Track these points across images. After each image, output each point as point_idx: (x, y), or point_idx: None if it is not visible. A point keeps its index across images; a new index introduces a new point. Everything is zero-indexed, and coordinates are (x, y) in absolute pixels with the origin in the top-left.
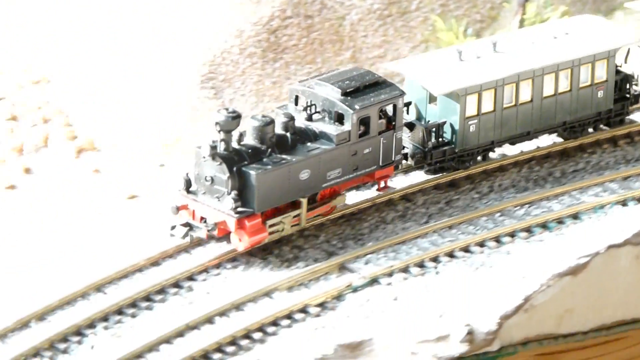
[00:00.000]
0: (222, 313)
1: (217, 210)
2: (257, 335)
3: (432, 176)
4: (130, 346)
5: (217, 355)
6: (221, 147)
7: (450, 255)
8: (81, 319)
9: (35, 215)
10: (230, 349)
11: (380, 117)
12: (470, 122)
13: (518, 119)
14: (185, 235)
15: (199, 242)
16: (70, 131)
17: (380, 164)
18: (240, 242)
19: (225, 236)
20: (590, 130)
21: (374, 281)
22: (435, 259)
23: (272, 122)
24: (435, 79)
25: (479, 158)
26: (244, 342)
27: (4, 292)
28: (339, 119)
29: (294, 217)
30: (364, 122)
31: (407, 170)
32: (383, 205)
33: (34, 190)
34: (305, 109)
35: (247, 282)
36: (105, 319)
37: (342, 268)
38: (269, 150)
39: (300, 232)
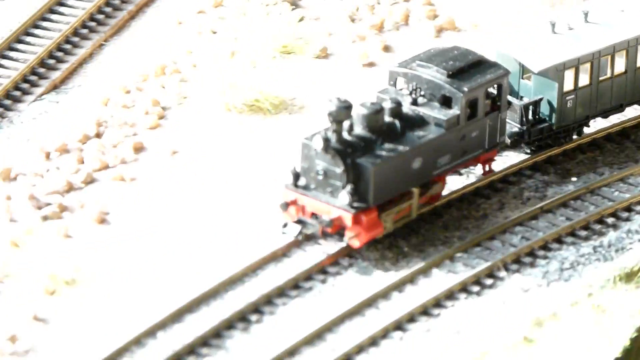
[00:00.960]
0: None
1: (331, 206)
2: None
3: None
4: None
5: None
6: (333, 139)
7: None
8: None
9: None
10: (584, 234)
11: (485, 98)
12: (567, 98)
13: (613, 91)
14: (299, 233)
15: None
16: (431, 10)
17: (486, 147)
18: (356, 239)
19: (338, 232)
20: None
21: None
22: None
23: (382, 109)
24: (532, 54)
25: (575, 135)
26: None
27: None
28: (446, 102)
29: (399, 211)
30: (472, 104)
31: (504, 149)
32: None
33: None
34: (411, 93)
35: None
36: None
37: None
38: (380, 139)
39: None
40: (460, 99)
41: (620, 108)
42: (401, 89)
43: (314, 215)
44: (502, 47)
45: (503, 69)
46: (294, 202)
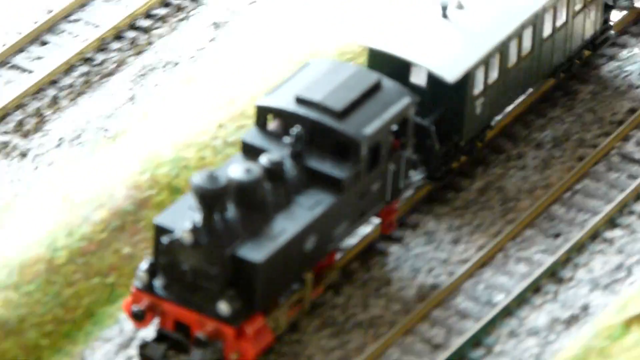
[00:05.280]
0: None
1: (205, 317)
2: None
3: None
4: None
5: None
6: (202, 227)
7: None
8: None
9: None
10: None
11: (389, 137)
12: (477, 102)
13: (520, 76)
14: (164, 355)
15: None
16: None
17: (389, 198)
18: (241, 357)
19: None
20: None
21: None
22: None
23: (261, 177)
24: (434, 55)
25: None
26: None
27: None
28: (340, 151)
29: (290, 306)
30: (374, 151)
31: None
32: None
33: None
34: (295, 143)
35: None
36: None
37: None
38: (261, 216)
39: None
40: (360, 147)
41: (525, 90)
42: (273, 132)
43: (178, 326)
44: (379, 42)
45: (410, 96)
46: (150, 309)
